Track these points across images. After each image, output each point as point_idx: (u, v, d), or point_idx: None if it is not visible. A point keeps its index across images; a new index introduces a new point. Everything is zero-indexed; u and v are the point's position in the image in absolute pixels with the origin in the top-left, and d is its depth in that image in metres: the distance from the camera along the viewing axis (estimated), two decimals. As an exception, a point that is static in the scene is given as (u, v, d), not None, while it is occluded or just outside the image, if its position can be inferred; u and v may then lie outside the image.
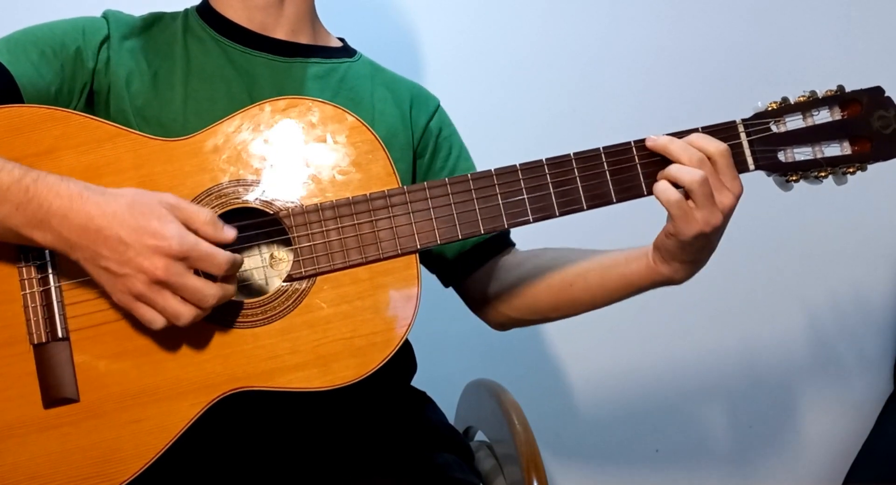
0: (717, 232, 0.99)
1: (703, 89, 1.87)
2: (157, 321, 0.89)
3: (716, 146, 0.98)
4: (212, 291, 0.89)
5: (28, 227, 0.88)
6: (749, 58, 1.91)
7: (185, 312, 0.89)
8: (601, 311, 1.14)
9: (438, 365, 1.43)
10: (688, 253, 1.02)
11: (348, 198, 0.98)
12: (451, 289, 1.28)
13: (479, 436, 1.40)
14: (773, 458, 2.00)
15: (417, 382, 1.25)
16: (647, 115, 1.82)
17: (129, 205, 0.88)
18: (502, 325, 1.24)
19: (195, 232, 0.89)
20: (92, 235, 0.87)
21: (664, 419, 1.96)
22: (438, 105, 1.27)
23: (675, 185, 0.97)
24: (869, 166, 1.02)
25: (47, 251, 0.95)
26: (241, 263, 0.94)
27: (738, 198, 0.99)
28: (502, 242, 1.24)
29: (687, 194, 0.97)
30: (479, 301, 1.23)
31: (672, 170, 0.97)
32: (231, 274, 0.92)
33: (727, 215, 0.98)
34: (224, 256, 0.90)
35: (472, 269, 1.22)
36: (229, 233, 0.92)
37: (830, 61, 1.92)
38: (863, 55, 1.94)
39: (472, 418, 1.41)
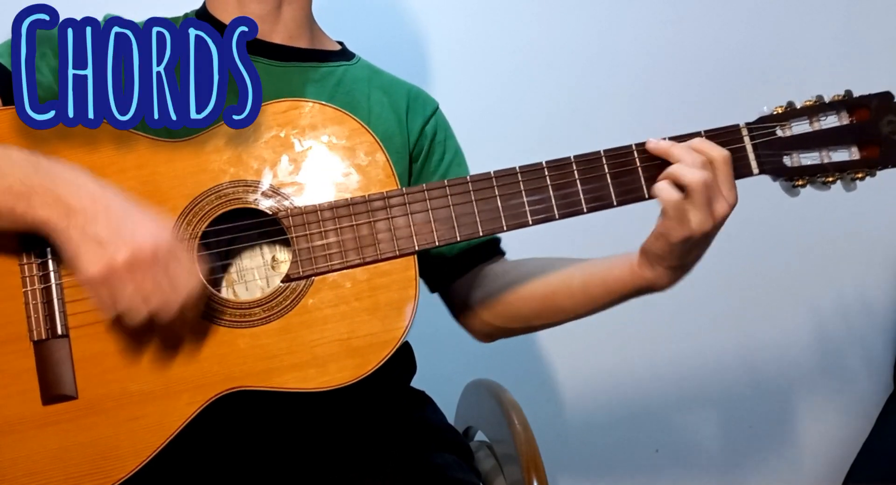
0: (706, 239, 0.98)
1: (704, 91, 1.87)
2: (109, 309, 0.88)
3: (718, 152, 0.97)
4: (176, 296, 0.88)
5: (26, 195, 0.88)
6: (751, 59, 1.90)
7: (142, 308, 0.87)
8: (603, 311, 1.14)
9: (438, 365, 1.43)
10: (674, 257, 0.99)
11: (347, 199, 0.98)
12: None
13: (479, 436, 1.40)
14: (774, 458, 2.00)
15: (417, 382, 1.25)
16: (647, 117, 1.82)
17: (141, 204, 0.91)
18: (487, 334, 1.23)
19: None
20: (99, 202, 0.88)
21: (664, 419, 1.96)
22: (436, 108, 1.26)
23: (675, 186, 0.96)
24: (878, 172, 1.01)
25: (49, 248, 0.95)
26: (201, 295, 0.93)
27: (732, 207, 0.97)
28: (492, 250, 1.23)
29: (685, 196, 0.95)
30: (464, 308, 1.22)
31: (675, 169, 0.96)
32: (190, 300, 0.90)
33: (719, 224, 0.96)
34: (195, 277, 0.91)
35: (458, 274, 1.22)
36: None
37: (833, 65, 1.91)
38: (867, 59, 1.93)
39: (472, 418, 1.40)
